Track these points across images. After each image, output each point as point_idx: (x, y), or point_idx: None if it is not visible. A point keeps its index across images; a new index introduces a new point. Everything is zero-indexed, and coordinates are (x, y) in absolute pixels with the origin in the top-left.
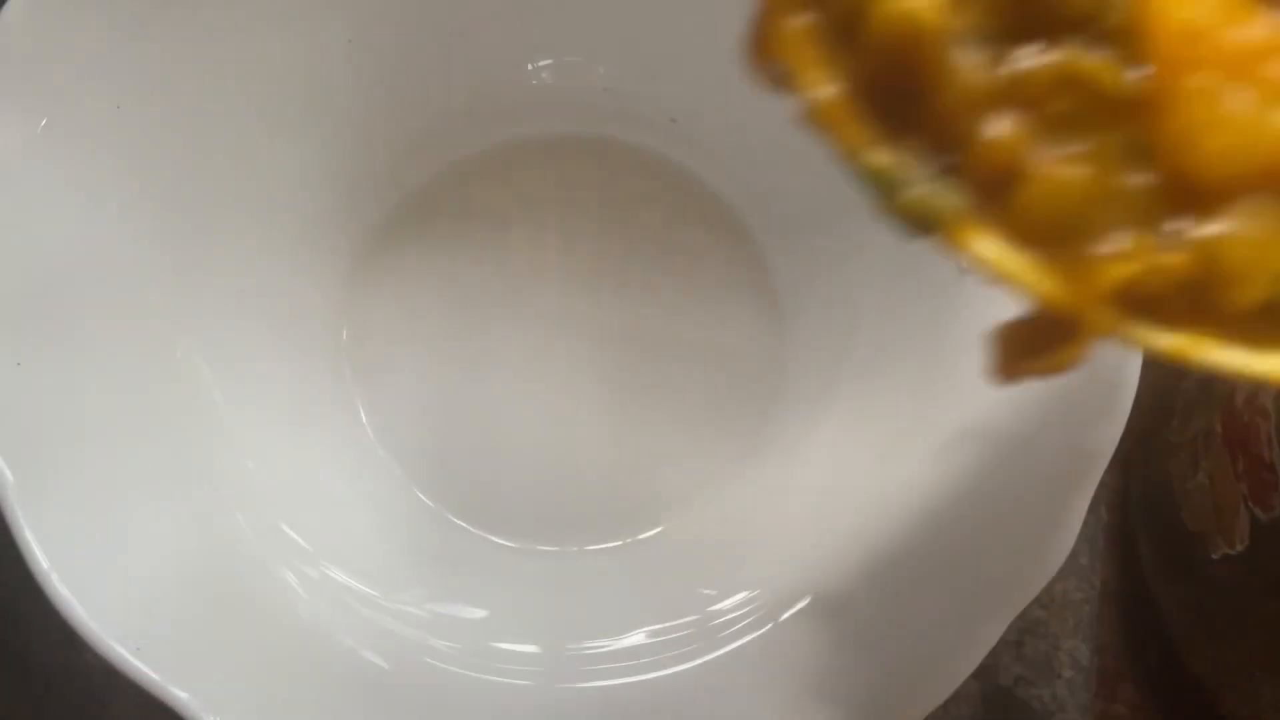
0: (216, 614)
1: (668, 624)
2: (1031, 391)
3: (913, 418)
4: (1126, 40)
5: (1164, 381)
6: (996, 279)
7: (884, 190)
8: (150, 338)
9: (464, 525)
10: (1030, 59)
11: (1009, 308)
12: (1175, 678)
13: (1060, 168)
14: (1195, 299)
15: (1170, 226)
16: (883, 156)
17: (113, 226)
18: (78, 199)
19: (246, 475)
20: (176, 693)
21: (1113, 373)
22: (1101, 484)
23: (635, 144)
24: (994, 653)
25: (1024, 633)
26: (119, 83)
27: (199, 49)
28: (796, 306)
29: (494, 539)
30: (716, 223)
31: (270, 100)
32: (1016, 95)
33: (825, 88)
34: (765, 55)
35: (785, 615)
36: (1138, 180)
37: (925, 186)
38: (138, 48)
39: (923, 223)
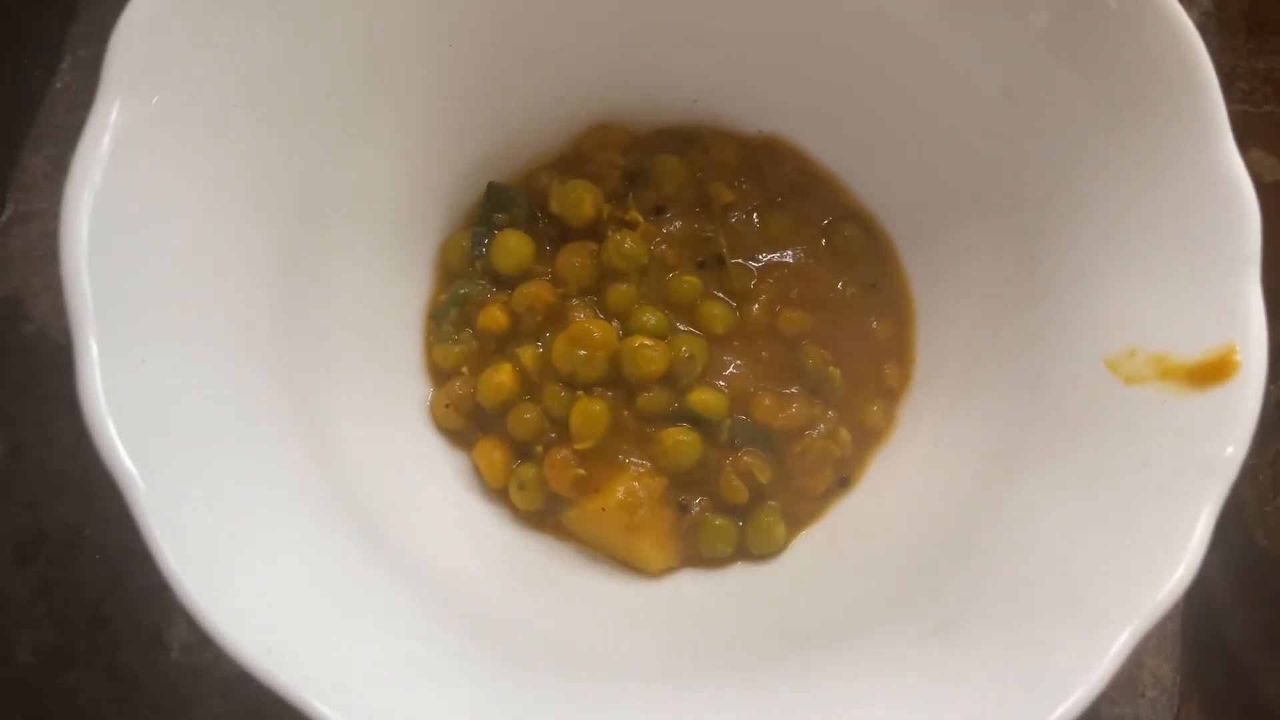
0: (336, 614)
1: (782, 640)
2: (1150, 410)
3: (1016, 434)
4: None
5: None
6: None
7: None
8: (259, 334)
9: (544, 535)
10: None
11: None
12: (1241, 699)
13: None
14: None
15: None
16: None
17: (224, 220)
18: (193, 191)
19: (352, 472)
20: (307, 696)
21: (1235, 390)
22: None
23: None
24: None
25: None
26: (237, 82)
27: (314, 52)
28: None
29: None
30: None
31: (373, 101)
32: None
33: None
34: None
35: (909, 637)
36: None
37: None
38: (257, 51)
39: None
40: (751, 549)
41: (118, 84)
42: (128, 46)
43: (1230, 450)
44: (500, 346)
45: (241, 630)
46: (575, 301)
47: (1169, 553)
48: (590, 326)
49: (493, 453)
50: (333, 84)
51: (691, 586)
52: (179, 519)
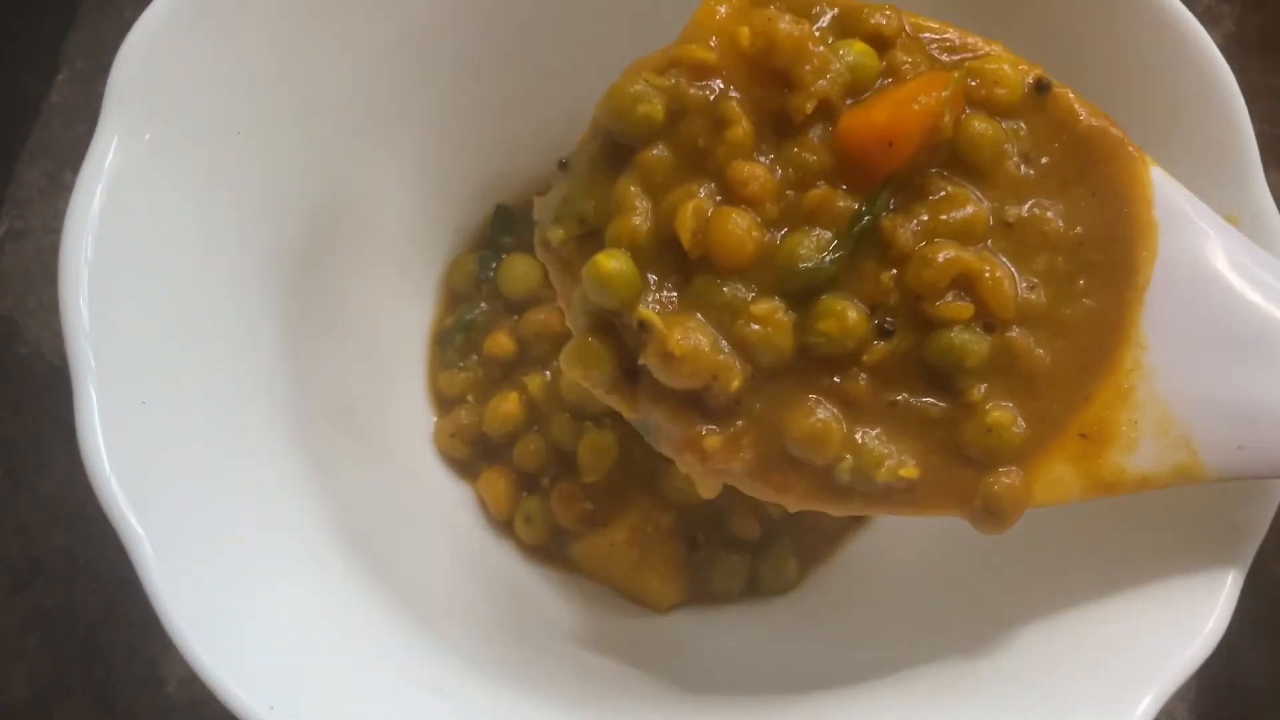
0: (339, 664)
1: (793, 680)
2: None
3: None
4: None
5: None
6: None
7: None
8: (260, 366)
9: (550, 569)
10: None
11: None
12: None
13: None
14: None
15: None
16: None
17: (226, 254)
18: (193, 226)
19: (354, 506)
20: None
21: None
22: None
23: None
24: None
25: None
26: (236, 110)
27: (321, 75)
28: None
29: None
30: None
31: (381, 123)
32: None
33: None
34: None
35: (926, 686)
36: None
37: None
38: (262, 78)
39: None
40: (762, 585)
41: (116, 120)
42: (127, 79)
43: (1261, 509)
44: (507, 374)
45: (245, 687)
46: None
47: (1197, 612)
48: None
49: (498, 484)
50: (340, 107)
51: (701, 623)
52: (183, 574)
